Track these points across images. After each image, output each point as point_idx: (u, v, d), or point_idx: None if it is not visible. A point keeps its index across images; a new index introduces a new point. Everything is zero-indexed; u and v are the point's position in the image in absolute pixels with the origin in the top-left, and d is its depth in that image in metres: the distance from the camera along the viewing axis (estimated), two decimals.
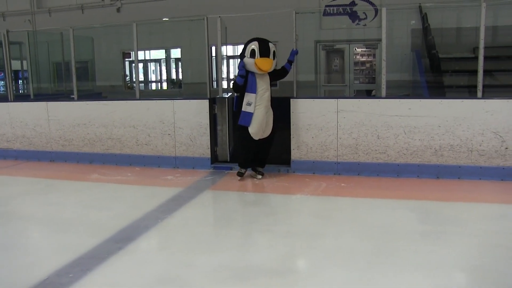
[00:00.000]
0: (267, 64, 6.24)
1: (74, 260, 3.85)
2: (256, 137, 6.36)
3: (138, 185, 6.58)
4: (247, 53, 6.28)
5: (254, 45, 6.25)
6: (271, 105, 6.49)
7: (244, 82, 6.32)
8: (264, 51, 6.24)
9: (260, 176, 6.63)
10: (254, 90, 6.28)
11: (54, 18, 16.51)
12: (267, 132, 6.46)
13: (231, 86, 6.71)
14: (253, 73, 6.31)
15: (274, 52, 6.35)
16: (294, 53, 6.70)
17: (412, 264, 3.66)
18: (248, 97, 6.29)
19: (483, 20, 6.16)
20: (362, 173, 6.59)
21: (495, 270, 3.53)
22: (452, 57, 10.51)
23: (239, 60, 6.48)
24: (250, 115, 6.29)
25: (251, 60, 6.22)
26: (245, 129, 6.35)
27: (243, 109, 6.32)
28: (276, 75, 6.83)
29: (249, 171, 6.78)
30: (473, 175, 6.19)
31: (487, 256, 3.80)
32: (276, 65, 6.53)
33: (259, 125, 6.31)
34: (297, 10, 6.87)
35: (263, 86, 6.32)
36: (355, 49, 13.84)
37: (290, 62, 6.66)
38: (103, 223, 4.89)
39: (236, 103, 6.57)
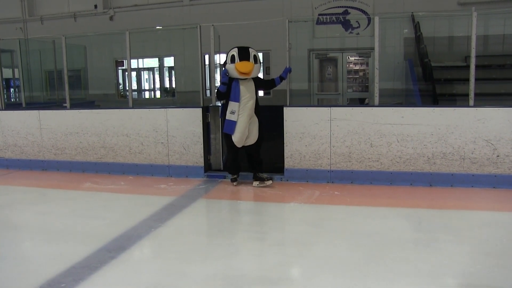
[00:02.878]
0: (247, 67, 6.25)
1: (66, 270, 3.81)
2: (239, 145, 6.42)
3: (131, 194, 6.56)
4: (228, 60, 6.35)
5: (234, 51, 6.32)
6: (258, 113, 6.52)
7: (228, 90, 6.34)
8: (244, 55, 6.28)
9: (270, 182, 6.55)
10: (237, 99, 6.30)
11: (46, 26, 16.50)
12: (252, 140, 6.47)
13: (215, 94, 6.72)
14: (237, 81, 6.33)
15: (255, 56, 6.39)
16: (287, 70, 6.70)
17: (404, 272, 3.66)
18: (232, 105, 6.33)
19: (474, 29, 6.21)
20: (356, 181, 6.60)
21: (487, 278, 3.53)
22: (444, 66, 10.59)
23: (223, 68, 6.52)
24: (233, 123, 6.32)
25: (232, 65, 6.27)
26: (230, 137, 6.41)
27: (226, 117, 6.37)
28: (263, 85, 6.87)
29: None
30: (465, 183, 6.21)
31: (480, 264, 3.81)
32: (265, 73, 6.55)
33: (242, 134, 6.34)
34: (290, 18, 6.90)
35: (247, 95, 6.33)
36: (348, 57, 13.93)
37: (281, 78, 6.68)
38: (95, 232, 4.86)
39: (222, 111, 6.61)
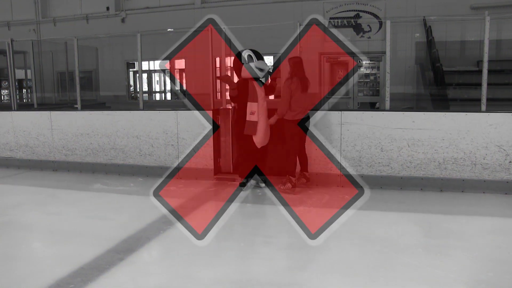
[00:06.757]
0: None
1: (75, 271, 3.83)
2: (260, 145, 6.38)
3: (141, 195, 6.56)
4: (246, 59, 6.36)
5: (248, 52, 6.39)
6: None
7: (246, 91, 6.33)
8: (259, 55, 6.45)
9: (263, 184, 6.62)
10: (255, 99, 6.30)
11: (58, 28, 16.61)
12: (266, 140, 6.48)
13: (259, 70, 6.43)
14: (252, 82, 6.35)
15: None
16: None
17: (414, 278, 3.63)
18: (251, 106, 6.31)
19: (487, 33, 6.16)
20: (366, 186, 6.56)
21: (499, 286, 3.50)
22: (456, 70, 10.53)
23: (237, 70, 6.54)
24: (255, 124, 6.30)
25: (252, 64, 6.31)
26: (249, 138, 6.35)
27: (247, 118, 6.32)
28: (270, 88, 6.90)
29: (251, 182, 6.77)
30: (476, 189, 6.15)
31: (491, 271, 3.77)
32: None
33: (264, 133, 6.33)
34: (301, 22, 6.89)
35: (262, 95, 6.38)
36: (359, 61, 13.86)
37: None
38: (104, 233, 4.87)
39: (234, 114, 6.57)
